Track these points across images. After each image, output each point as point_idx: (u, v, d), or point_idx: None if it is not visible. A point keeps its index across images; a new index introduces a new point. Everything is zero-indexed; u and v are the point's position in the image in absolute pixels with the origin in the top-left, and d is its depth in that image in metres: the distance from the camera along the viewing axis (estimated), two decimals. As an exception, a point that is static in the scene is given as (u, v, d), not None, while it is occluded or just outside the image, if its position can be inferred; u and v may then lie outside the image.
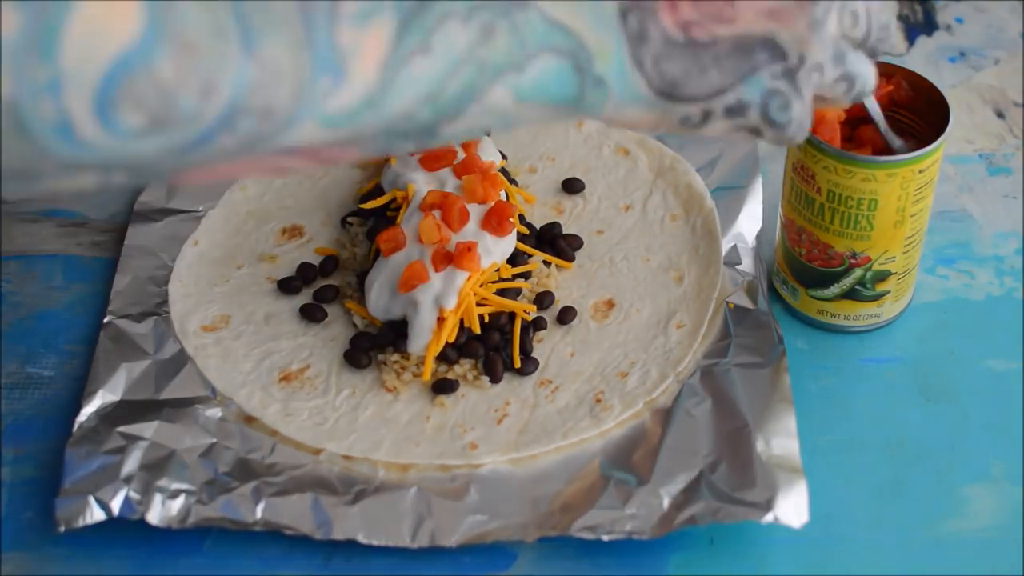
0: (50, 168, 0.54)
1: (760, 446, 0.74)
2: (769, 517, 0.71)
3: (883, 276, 0.81)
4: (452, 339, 0.80)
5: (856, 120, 0.81)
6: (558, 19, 0.60)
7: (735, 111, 0.64)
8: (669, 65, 0.62)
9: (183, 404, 0.78)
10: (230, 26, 0.54)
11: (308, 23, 0.55)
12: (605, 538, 0.72)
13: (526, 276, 0.85)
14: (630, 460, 0.75)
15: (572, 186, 0.91)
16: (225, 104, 0.54)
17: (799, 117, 0.64)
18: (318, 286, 0.86)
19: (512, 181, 0.90)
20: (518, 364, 0.80)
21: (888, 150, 0.79)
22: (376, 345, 0.82)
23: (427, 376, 0.80)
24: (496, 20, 0.59)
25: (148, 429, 0.76)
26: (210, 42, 0.53)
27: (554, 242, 0.87)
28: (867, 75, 0.67)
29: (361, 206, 0.88)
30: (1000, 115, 0.98)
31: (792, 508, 0.71)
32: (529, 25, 0.60)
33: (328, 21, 0.56)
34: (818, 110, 0.78)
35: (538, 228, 0.88)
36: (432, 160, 0.85)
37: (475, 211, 0.83)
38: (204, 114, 0.54)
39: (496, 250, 0.82)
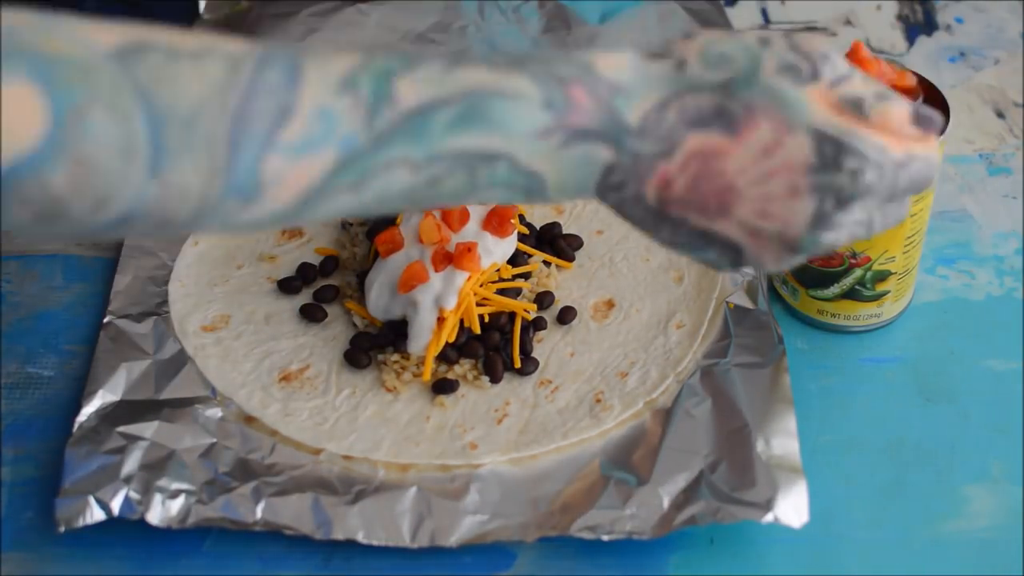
0: None
1: (760, 446, 0.74)
2: (769, 517, 0.71)
3: (883, 276, 0.81)
4: (452, 339, 0.80)
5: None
6: (529, 168, 0.58)
7: (670, 250, 0.63)
8: (629, 209, 0.61)
9: (183, 404, 0.78)
10: (141, 145, 0.51)
11: (236, 148, 0.52)
12: (605, 538, 0.72)
13: (526, 276, 0.85)
14: (630, 460, 0.75)
15: (572, 186, 0.91)
16: (119, 214, 0.52)
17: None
18: (318, 286, 0.86)
19: (512, 181, 0.90)
20: (518, 364, 0.80)
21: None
22: (376, 345, 0.82)
23: (427, 376, 0.80)
24: (453, 172, 0.56)
25: (148, 429, 0.76)
26: (112, 160, 0.50)
27: (554, 242, 0.87)
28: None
29: (361, 206, 0.88)
30: (1000, 115, 0.98)
31: (792, 508, 0.71)
32: (490, 175, 0.57)
33: (260, 147, 0.53)
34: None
35: (538, 228, 0.88)
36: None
37: (476, 211, 0.82)
38: (95, 220, 0.52)
39: (496, 250, 0.82)
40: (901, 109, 0.60)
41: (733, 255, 0.61)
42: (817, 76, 0.59)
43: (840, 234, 0.60)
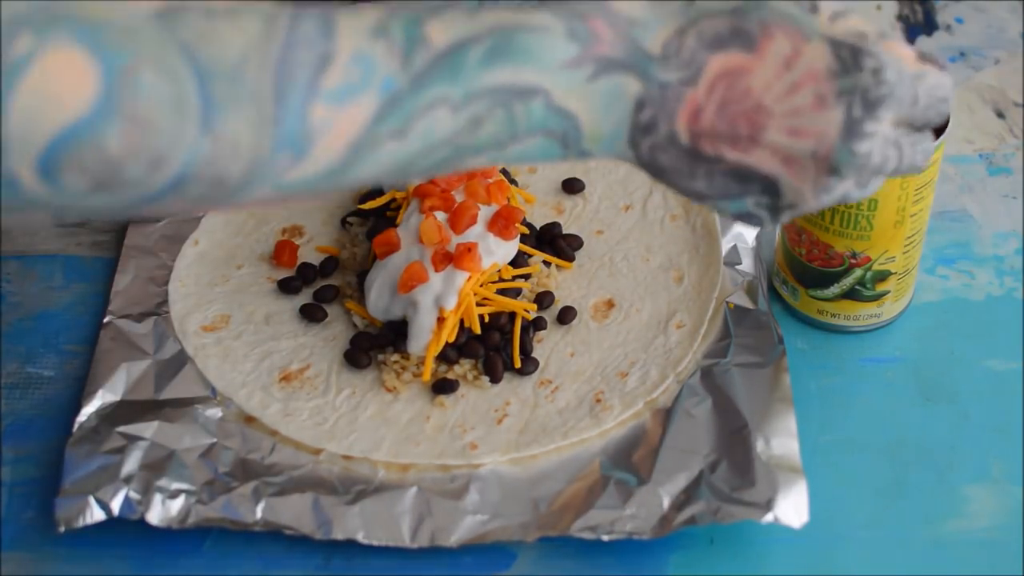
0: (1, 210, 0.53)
1: (760, 446, 0.74)
2: (769, 517, 0.71)
3: (883, 276, 0.81)
4: (452, 339, 0.80)
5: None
6: (563, 106, 0.58)
7: (707, 205, 0.63)
8: (663, 156, 0.61)
9: (183, 404, 0.78)
10: (192, 100, 0.52)
11: (281, 98, 0.53)
12: (605, 538, 0.72)
13: (526, 276, 0.85)
14: (630, 460, 0.75)
15: (572, 186, 0.91)
16: (174, 174, 0.52)
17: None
18: (318, 286, 0.86)
19: (512, 181, 0.90)
20: (518, 364, 0.80)
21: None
22: (376, 345, 0.82)
23: (427, 376, 0.79)
24: (492, 110, 0.57)
25: (148, 429, 0.76)
26: (166, 117, 0.51)
27: (554, 242, 0.87)
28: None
29: (361, 206, 0.88)
30: (1000, 115, 0.98)
31: (792, 508, 0.71)
32: (527, 114, 0.58)
33: (304, 96, 0.53)
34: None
35: (538, 228, 0.88)
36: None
37: (482, 211, 0.82)
38: (151, 182, 0.52)
39: (498, 251, 0.82)
40: (904, 45, 0.61)
41: (771, 194, 0.61)
42: (816, 10, 0.60)
43: (873, 144, 0.60)
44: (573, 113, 0.59)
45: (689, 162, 0.61)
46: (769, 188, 0.61)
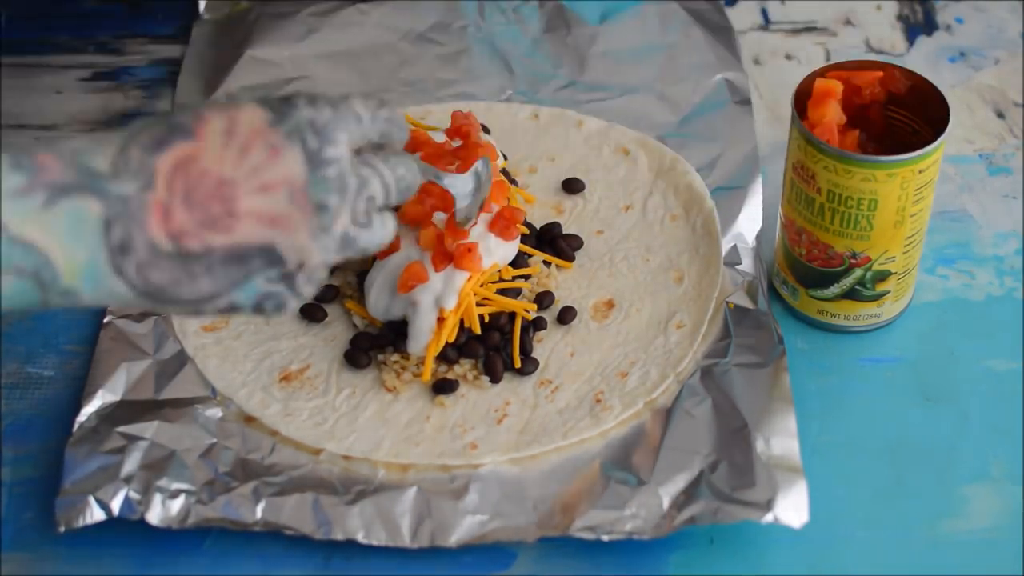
0: None
1: (760, 446, 0.75)
2: (769, 517, 0.71)
3: (883, 276, 0.81)
4: (452, 339, 0.80)
5: (856, 118, 0.81)
6: (23, 236, 0.58)
7: (227, 310, 0.63)
8: (155, 273, 0.61)
9: (183, 404, 0.78)
10: None
11: None
12: (605, 538, 0.72)
13: (526, 276, 0.85)
14: (630, 460, 0.75)
15: (572, 186, 0.91)
16: None
17: (296, 306, 0.64)
18: (318, 286, 0.86)
19: (512, 181, 0.90)
20: (518, 364, 0.80)
21: (889, 150, 0.79)
22: (376, 345, 0.82)
23: (427, 376, 0.79)
24: None
25: (148, 429, 0.76)
26: None
27: (554, 242, 0.87)
28: (380, 239, 0.66)
29: (361, 206, 0.88)
30: (1000, 115, 0.98)
31: (792, 508, 0.71)
32: None
33: None
34: (817, 111, 0.79)
35: (538, 228, 0.88)
36: (435, 159, 0.85)
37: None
38: None
39: (498, 252, 0.82)
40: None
41: (276, 263, 0.62)
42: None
43: (341, 166, 0.63)
44: (36, 244, 0.58)
45: (183, 267, 0.61)
46: (271, 257, 0.62)
